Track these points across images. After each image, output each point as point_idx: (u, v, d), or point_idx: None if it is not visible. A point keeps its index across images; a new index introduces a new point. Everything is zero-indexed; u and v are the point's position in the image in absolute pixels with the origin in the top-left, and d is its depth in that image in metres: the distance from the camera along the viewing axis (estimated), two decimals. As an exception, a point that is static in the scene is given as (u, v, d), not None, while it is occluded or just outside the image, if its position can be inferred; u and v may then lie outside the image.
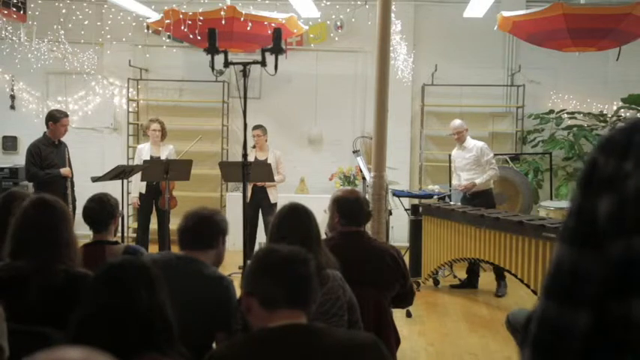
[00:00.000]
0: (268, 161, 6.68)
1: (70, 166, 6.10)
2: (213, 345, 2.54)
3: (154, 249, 6.53)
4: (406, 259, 4.06)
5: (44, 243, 2.39)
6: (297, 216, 2.69)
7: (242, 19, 6.10)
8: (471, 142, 6.30)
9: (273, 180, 6.48)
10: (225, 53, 3.99)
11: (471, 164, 6.21)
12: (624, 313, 0.97)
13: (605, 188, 0.99)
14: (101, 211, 3.15)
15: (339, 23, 8.01)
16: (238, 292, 2.29)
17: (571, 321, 1.01)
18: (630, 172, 0.97)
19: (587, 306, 1.00)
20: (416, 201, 6.78)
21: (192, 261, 2.59)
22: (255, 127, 6.85)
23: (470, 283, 6.27)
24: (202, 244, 2.65)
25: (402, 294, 3.38)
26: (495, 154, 6.70)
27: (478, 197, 6.16)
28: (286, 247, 1.77)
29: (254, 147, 6.84)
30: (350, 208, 3.30)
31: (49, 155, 5.99)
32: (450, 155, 6.70)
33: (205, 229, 2.66)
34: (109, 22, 7.86)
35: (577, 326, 1.01)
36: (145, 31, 7.84)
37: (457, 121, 6.38)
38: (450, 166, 7.08)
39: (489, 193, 6.29)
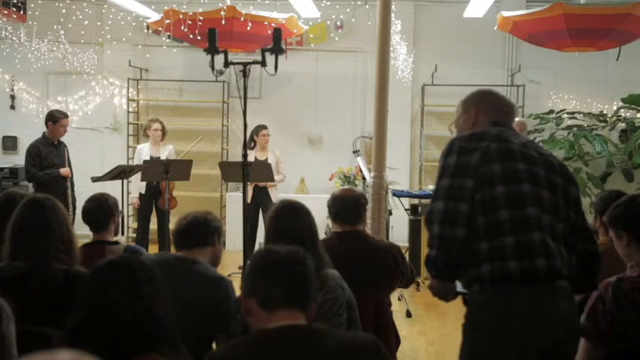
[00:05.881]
0: (268, 161, 6.68)
1: (69, 166, 6.09)
2: (213, 346, 2.54)
3: (154, 249, 6.54)
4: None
5: (38, 241, 2.40)
6: (294, 212, 2.67)
7: (242, 19, 6.09)
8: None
9: (273, 180, 6.48)
10: (225, 53, 3.99)
11: None
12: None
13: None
14: (98, 210, 3.14)
15: (339, 23, 8.00)
16: (238, 293, 2.29)
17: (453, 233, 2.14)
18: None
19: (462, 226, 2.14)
20: (416, 201, 6.77)
21: (191, 261, 2.59)
22: (264, 127, 6.83)
23: None
24: (197, 241, 2.65)
25: (402, 285, 3.55)
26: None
27: None
28: (284, 247, 1.76)
29: (252, 148, 6.80)
30: (338, 205, 3.29)
31: (48, 155, 5.99)
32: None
33: (199, 226, 2.67)
34: (109, 22, 7.85)
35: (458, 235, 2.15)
36: (145, 31, 7.84)
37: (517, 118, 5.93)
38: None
39: None
